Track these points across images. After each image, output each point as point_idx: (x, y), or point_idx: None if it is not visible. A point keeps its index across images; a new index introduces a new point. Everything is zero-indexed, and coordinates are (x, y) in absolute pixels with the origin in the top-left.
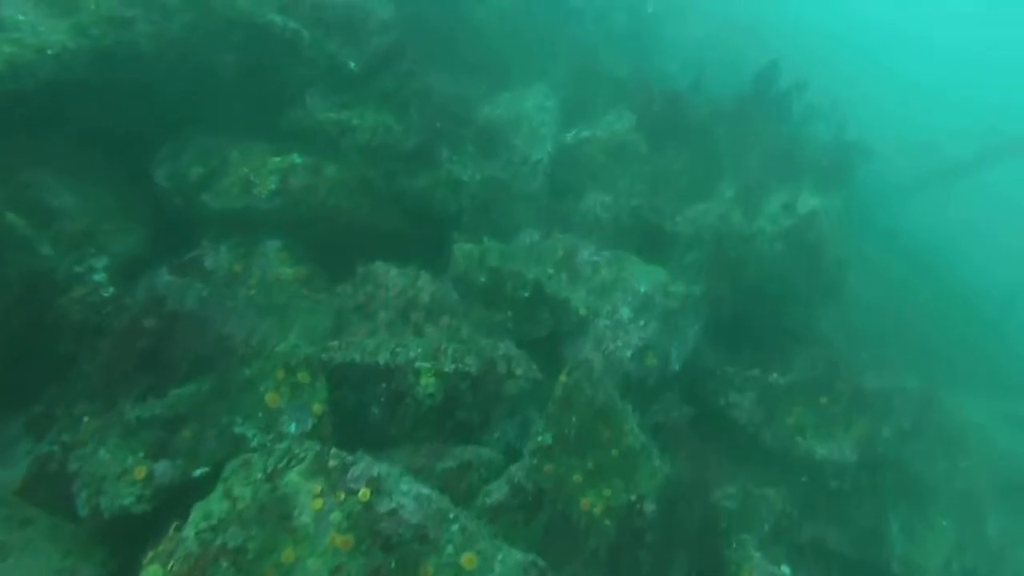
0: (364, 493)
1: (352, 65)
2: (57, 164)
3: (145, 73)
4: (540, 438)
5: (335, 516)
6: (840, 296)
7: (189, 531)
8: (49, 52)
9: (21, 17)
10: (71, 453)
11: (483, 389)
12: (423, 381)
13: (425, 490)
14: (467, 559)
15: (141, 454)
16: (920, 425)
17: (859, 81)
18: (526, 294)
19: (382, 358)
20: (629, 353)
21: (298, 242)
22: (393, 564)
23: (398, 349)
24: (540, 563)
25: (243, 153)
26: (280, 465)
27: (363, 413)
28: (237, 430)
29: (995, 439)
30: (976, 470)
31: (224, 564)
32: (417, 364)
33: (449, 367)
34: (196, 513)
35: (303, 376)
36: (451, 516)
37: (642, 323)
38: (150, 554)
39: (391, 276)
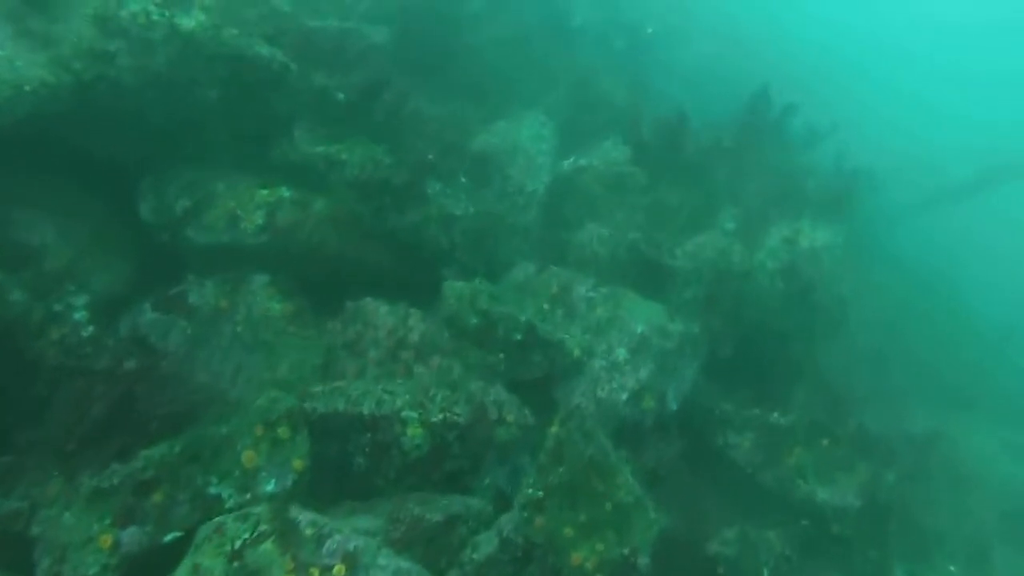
0: (339, 570)
1: (341, 96)
2: (36, 200)
3: (128, 107)
4: (530, 490)
5: None
6: (842, 332)
7: None
8: (27, 88)
9: None
10: (36, 514)
11: (472, 438)
12: (409, 432)
13: (404, 564)
14: None
15: (108, 521)
16: (925, 468)
17: (863, 98)
18: (519, 336)
19: (367, 408)
20: (624, 396)
21: (287, 276)
22: None
23: (384, 396)
24: None
25: (230, 186)
26: (252, 535)
27: (347, 463)
28: (212, 491)
29: (1000, 472)
30: (982, 510)
31: None
32: (403, 414)
33: (437, 416)
34: None
35: (283, 431)
36: None
37: (638, 364)
38: None
39: (381, 314)
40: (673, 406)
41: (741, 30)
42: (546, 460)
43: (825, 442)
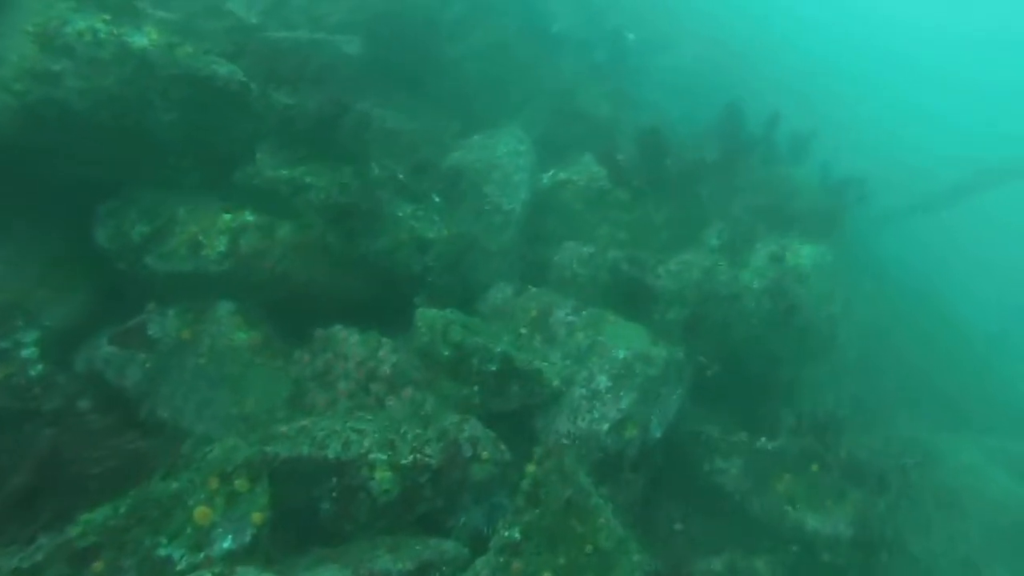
0: None
1: (306, 116)
2: None
3: (79, 131)
4: (507, 533)
5: None
6: (830, 353)
7: None
8: None
9: None
10: None
11: (446, 479)
12: (378, 475)
13: None
14: None
15: None
16: (916, 494)
17: (849, 102)
18: (493, 367)
19: (332, 451)
20: (606, 427)
21: (253, 304)
22: None
23: (352, 437)
24: None
25: (191, 211)
26: None
27: (313, 509)
28: (161, 552)
29: (989, 485)
30: (972, 528)
31: None
32: (372, 456)
33: (407, 459)
34: None
35: (241, 483)
36: None
37: (620, 392)
38: None
39: (351, 344)
40: (657, 434)
41: (728, 34)
42: (523, 502)
43: (815, 468)
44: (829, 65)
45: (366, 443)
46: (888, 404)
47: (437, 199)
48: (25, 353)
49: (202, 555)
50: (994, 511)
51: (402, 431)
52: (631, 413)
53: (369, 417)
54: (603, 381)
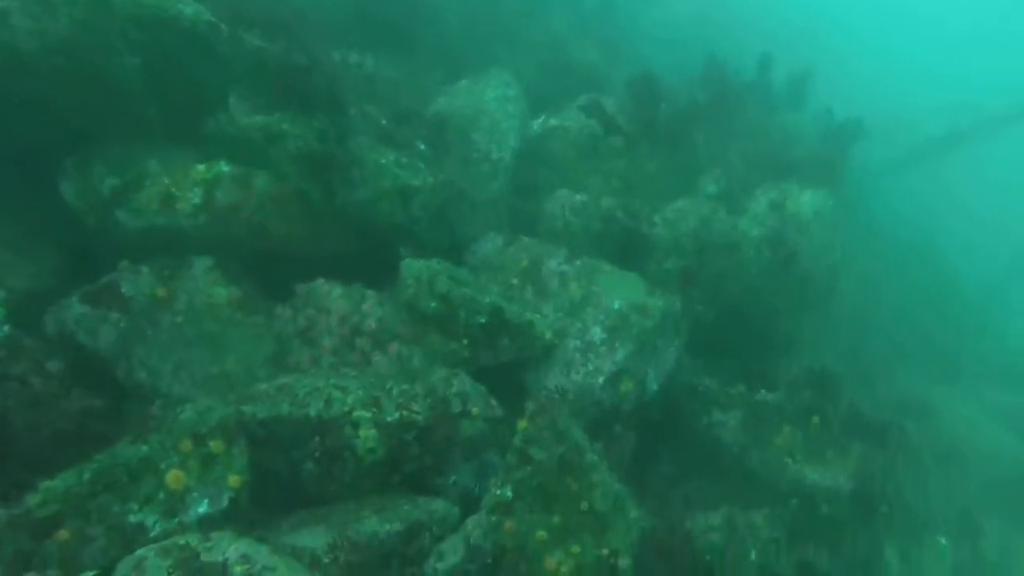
0: None
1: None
2: None
3: (33, 78)
4: (499, 491)
5: None
6: (830, 303)
7: None
8: None
9: None
10: None
11: (434, 436)
12: (362, 434)
13: None
14: None
15: None
16: (916, 446)
17: (845, 56)
18: (482, 320)
19: (314, 409)
20: (601, 380)
21: (231, 259)
22: None
23: (335, 394)
24: None
25: (162, 163)
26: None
27: (296, 470)
28: (132, 519)
29: (985, 438)
30: (970, 481)
31: None
32: (355, 414)
33: (392, 416)
34: None
35: (216, 445)
36: None
37: (616, 345)
38: None
39: (334, 298)
40: (654, 387)
41: None
42: (515, 459)
43: (816, 420)
44: (822, 19)
45: (349, 400)
46: (883, 357)
47: (422, 146)
48: None
49: (176, 521)
50: (989, 463)
51: (387, 387)
52: (627, 366)
53: (353, 374)
54: (597, 333)
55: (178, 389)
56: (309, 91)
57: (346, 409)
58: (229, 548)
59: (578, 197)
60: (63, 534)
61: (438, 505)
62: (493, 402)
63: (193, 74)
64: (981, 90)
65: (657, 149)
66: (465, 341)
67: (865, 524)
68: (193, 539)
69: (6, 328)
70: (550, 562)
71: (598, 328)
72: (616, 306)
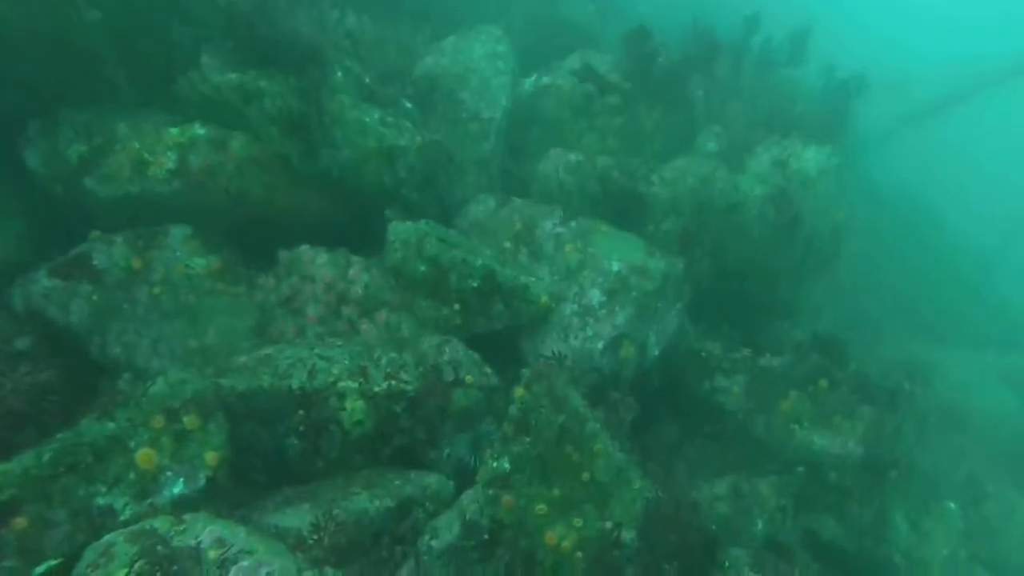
0: None
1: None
2: None
3: None
4: (495, 464)
5: None
6: (835, 265)
7: None
8: None
9: None
10: None
11: (425, 406)
12: (349, 406)
13: None
14: None
15: None
16: (925, 409)
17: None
18: (475, 284)
19: (297, 380)
20: (601, 345)
21: (210, 227)
22: None
23: (319, 364)
24: None
25: (133, 126)
26: (141, 568)
27: (279, 446)
28: (100, 502)
29: (989, 400)
30: (975, 446)
31: None
32: (341, 385)
33: (380, 386)
34: None
35: (190, 420)
36: None
37: (615, 308)
38: None
39: (318, 265)
40: (655, 352)
41: None
42: (511, 429)
43: (823, 384)
44: None
45: (335, 371)
46: (884, 319)
47: (408, 105)
48: None
49: (148, 503)
50: (992, 425)
51: (375, 356)
52: (627, 330)
53: (339, 343)
54: (596, 296)
55: (157, 364)
56: (286, 47)
57: (331, 380)
58: (203, 531)
59: (572, 156)
60: (21, 521)
61: (431, 480)
62: (488, 370)
63: (160, 30)
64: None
65: (654, 106)
66: (457, 306)
67: (874, 490)
68: (163, 522)
69: None
70: (551, 536)
71: (596, 291)
72: (615, 268)
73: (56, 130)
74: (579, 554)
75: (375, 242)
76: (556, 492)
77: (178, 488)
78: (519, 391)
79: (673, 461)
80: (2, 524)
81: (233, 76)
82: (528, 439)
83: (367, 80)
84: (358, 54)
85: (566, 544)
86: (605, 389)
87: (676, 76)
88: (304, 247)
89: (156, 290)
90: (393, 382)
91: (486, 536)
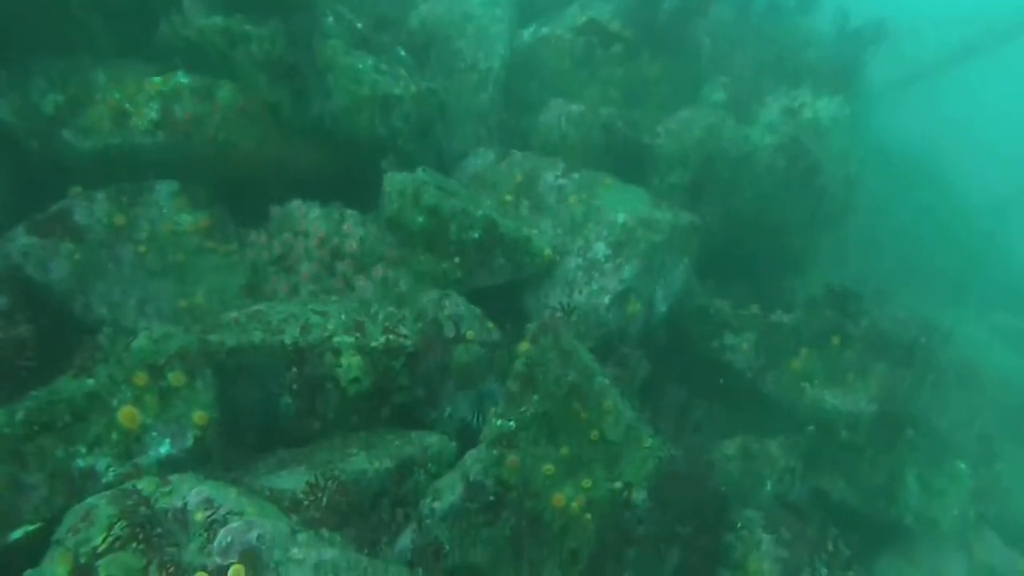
0: (237, 571)
1: None
2: None
3: None
4: (499, 422)
5: None
6: (850, 218)
7: None
8: None
9: None
10: None
11: (425, 363)
12: (345, 362)
13: (328, 553)
14: None
15: None
16: (940, 367)
17: None
18: (476, 235)
19: (289, 336)
20: (607, 300)
21: (198, 183)
22: None
23: (313, 319)
24: None
25: (112, 75)
26: (107, 533)
27: (273, 405)
28: (81, 464)
29: (997, 360)
30: (987, 405)
31: None
32: (336, 340)
33: (378, 340)
34: None
35: (176, 378)
36: None
37: (621, 261)
38: None
39: (311, 220)
40: (662, 308)
41: None
42: (516, 386)
43: (835, 341)
44: None
45: (330, 326)
46: (891, 279)
47: (403, 53)
48: None
49: (133, 464)
50: (1001, 386)
51: (372, 311)
52: (634, 285)
53: (334, 299)
54: (601, 249)
55: (144, 326)
56: None
57: (326, 335)
58: (190, 492)
59: (575, 107)
60: None
61: (433, 440)
62: (490, 325)
63: None
64: None
65: (658, 55)
66: (457, 259)
67: (887, 449)
68: (148, 483)
69: None
70: (558, 498)
71: (602, 244)
72: (620, 220)
73: (28, 80)
74: (588, 516)
75: (371, 197)
76: (564, 451)
77: (164, 449)
78: (524, 345)
79: (680, 420)
80: None
81: (217, 19)
82: (535, 396)
83: (359, 26)
84: (350, 1)
85: (574, 506)
86: (613, 345)
87: (681, 22)
88: (296, 202)
89: (142, 248)
90: (391, 336)
91: (491, 498)
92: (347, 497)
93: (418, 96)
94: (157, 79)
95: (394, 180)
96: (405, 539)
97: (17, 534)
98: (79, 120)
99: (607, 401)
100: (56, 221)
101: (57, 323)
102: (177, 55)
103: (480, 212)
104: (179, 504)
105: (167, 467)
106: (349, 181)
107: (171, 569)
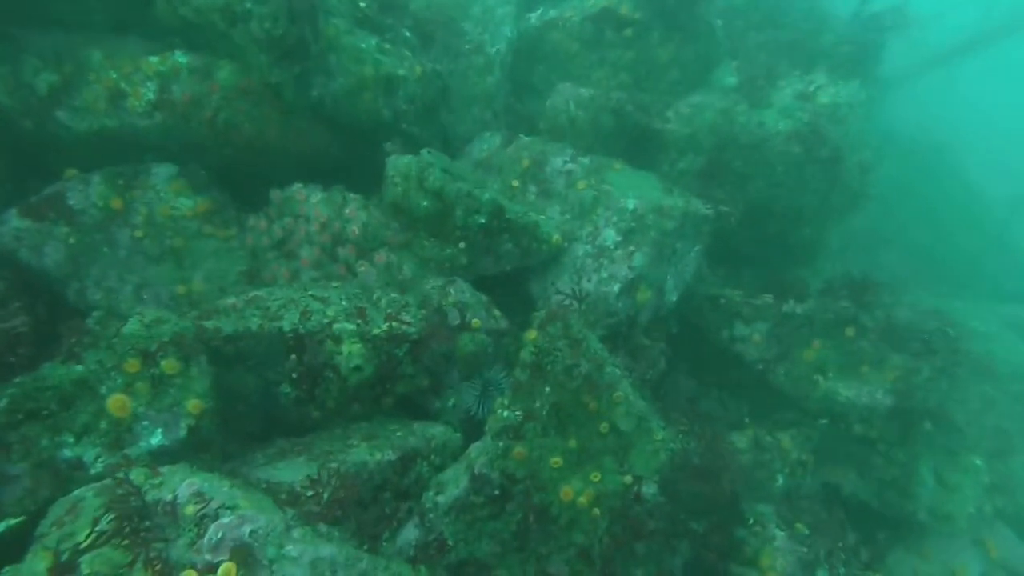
0: (227, 569)
1: None
2: None
3: None
4: (506, 413)
5: None
6: (863, 207)
7: None
8: None
9: None
10: None
11: (429, 352)
12: (346, 349)
13: (325, 550)
14: None
15: None
16: (957, 359)
17: None
18: (482, 220)
19: (288, 322)
20: (616, 288)
21: (197, 166)
22: None
23: (312, 306)
24: None
25: (108, 54)
26: (108, 525)
27: (271, 394)
28: (68, 454)
29: (1010, 352)
30: (1001, 397)
31: None
32: (337, 326)
33: (380, 327)
34: None
35: (169, 365)
36: None
37: (631, 248)
38: None
39: (312, 204)
40: (673, 297)
41: None
42: (524, 375)
43: (850, 332)
44: None
45: (330, 312)
46: (900, 269)
47: (407, 33)
48: None
49: (123, 455)
50: (1015, 379)
51: (374, 297)
52: (644, 272)
53: (335, 285)
54: (611, 236)
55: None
56: None
57: (326, 321)
58: (181, 484)
59: (584, 90)
60: None
61: (437, 430)
62: (496, 313)
63: None
64: None
65: (669, 37)
66: (462, 245)
67: (901, 442)
68: (138, 474)
69: None
70: (567, 491)
71: (611, 230)
72: (631, 206)
73: (19, 57)
74: (597, 510)
75: (374, 181)
76: (572, 443)
77: (156, 439)
78: (532, 334)
79: (692, 412)
80: None
81: None
82: (545, 386)
83: (363, 4)
84: None
85: (583, 499)
86: (622, 335)
87: (693, 3)
88: (297, 185)
89: (139, 233)
90: (394, 323)
91: (496, 491)
92: (347, 490)
93: (423, 77)
94: (154, 58)
95: (398, 162)
96: (407, 533)
97: None
98: (74, 100)
99: (617, 392)
100: (50, 204)
101: (52, 312)
102: (175, 33)
103: (487, 196)
104: (169, 497)
105: (159, 458)
106: (352, 164)
107: (158, 566)
